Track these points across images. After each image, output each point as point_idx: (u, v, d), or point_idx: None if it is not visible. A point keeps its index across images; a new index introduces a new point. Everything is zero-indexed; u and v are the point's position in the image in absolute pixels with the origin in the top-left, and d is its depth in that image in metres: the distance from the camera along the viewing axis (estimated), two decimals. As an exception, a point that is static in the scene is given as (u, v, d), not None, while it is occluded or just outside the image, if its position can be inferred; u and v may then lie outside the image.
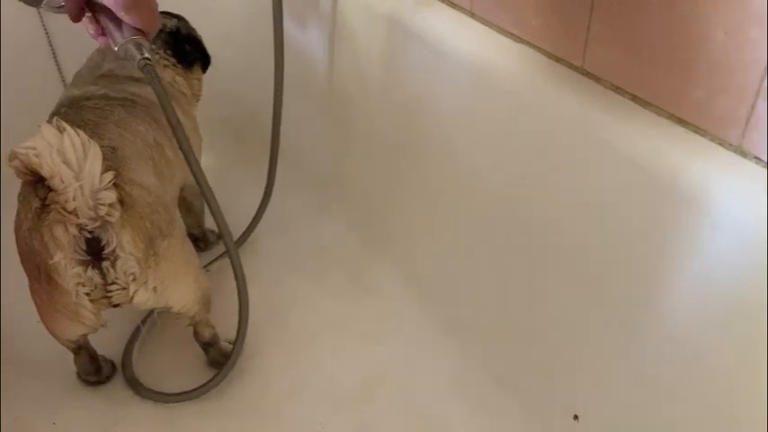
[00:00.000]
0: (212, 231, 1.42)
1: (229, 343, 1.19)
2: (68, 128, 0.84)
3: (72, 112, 1.05)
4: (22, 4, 1.38)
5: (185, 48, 1.29)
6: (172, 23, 1.29)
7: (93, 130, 0.98)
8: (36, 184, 0.86)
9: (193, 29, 1.35)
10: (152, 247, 0.93)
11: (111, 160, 0.93)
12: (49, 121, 1.00)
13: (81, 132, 0.85)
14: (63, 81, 1.51)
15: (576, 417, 0.99)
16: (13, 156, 0.83)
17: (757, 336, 0.75)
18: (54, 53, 1.49)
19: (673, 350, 0.85)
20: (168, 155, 1.11)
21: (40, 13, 1.43)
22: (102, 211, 0.85)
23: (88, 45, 1.23)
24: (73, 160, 0.82)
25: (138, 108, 1.11)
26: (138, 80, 1.14)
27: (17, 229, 0.92)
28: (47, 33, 1.47)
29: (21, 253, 0.92)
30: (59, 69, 1.50)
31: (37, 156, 0.81)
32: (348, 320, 1.28)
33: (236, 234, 1.40)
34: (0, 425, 1.06)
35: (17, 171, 0.85)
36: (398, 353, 1.22)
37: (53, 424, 1.11)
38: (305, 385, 1.17)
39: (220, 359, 1.18)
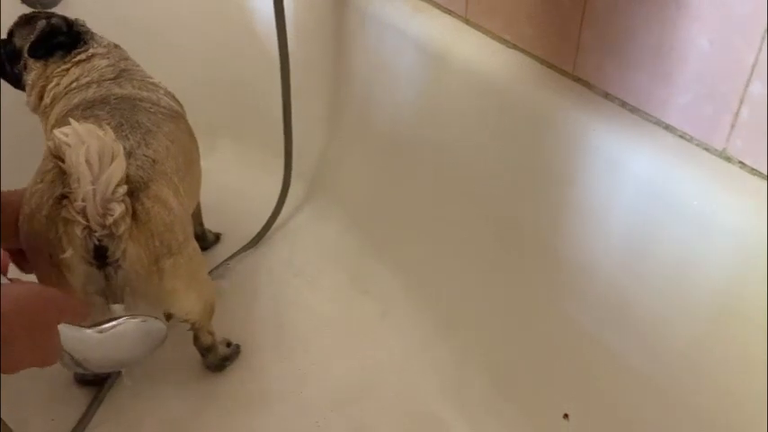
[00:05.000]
0: (211, 231, 1.43)
1: (228, 345, 1.20)
2: (109, 131, 0.85)
3: (127, 108, 1.04)
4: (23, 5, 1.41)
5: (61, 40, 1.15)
6: (41, 24, 1.14)
7: (144, 136, 0.99)
8: (63, 172, 0.85)
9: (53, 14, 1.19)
10: (156, 264, 0.92)
11: (148, 172, 0.93)
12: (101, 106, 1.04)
13: (117, 143, 0.85)
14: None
15: (566, 415, 1.00)
16: (51, 136, 0.83)
17: (748, 339, 0.76)
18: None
19: (665, 352, 0.87)
20: (196, 171, 1.13)
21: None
22: (109, 221, 0.85)
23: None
24: (95, 164, 0.82)
25: (181, 122, 1.13)
26: (174, 98, 1.17)
27: (37, 210, 0.88)
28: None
29: (31, 233, 0.89)
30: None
31: (68, 145, 0.81)
32: (346, 321, 1.30)
33: (244, 235, 1.43)
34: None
35: (49, 150, 0.85)
36: (395, 354, 1.23)
37: (52, 420, 1.12)
38: (303, 385, 1.19)
39: (218, 363, 1.18)
